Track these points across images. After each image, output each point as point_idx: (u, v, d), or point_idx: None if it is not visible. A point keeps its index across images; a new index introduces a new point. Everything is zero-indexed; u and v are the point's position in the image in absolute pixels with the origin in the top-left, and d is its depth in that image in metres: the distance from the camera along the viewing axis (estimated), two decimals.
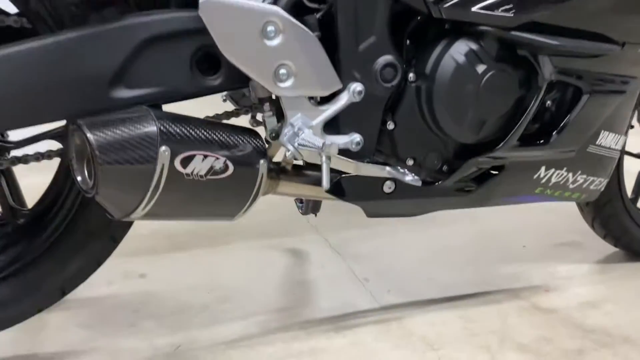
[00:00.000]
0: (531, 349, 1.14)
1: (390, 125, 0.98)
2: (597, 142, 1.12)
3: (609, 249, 1.56)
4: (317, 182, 1.00)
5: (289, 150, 0.87)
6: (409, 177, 0.96)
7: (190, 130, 0.80)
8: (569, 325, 1.23)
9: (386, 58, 0.92)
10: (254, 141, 0.88)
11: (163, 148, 0.76)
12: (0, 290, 0.96)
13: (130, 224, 1.01)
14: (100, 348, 1.10)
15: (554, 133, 1.03)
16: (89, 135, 0.74)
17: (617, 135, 1.14)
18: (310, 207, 1.32)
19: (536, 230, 1.70)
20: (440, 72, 0.94)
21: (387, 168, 0.97)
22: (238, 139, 0.86)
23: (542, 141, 1.03)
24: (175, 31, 0.82)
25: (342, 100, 0.90)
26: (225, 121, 0.98)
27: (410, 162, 1.01)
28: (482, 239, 1.63)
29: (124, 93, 0.81)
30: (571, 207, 1.81)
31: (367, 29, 0.90)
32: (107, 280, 1.33)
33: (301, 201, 1.39)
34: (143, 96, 0.82)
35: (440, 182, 1.04)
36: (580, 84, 1.01)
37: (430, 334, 1.18)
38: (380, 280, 1.39)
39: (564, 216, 1.78)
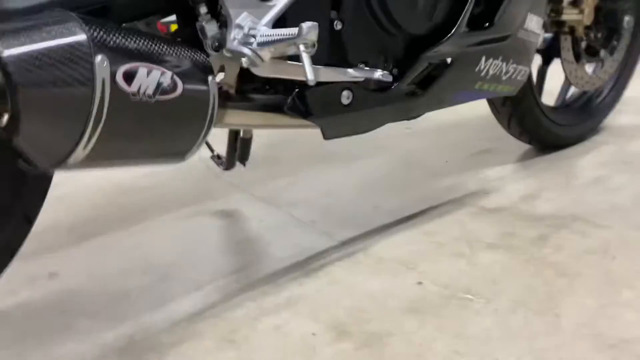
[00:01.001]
0: (500, 245, 1.12)
1: (338, 25, 0.86)
2: (525, 26, 1.11)
3: (521, 148, 1.61)
4: (268, 107, 0.86)
5: (244, 56, 0.72)
6: (378, 73, 0.86)
7: (125, 38, 0.61)
8: (522, 217, 1.23)
9: None
10: (197, 54, 0.72)
11: (100, 58, 0.57)
12: None
13: (44, 195, 0.79)
14: None
15: (497, 13, 0.99)
16: None
17: (539, 18, 1.14)
18: (238, 155, 1.18)
19: (450, 147, 1.71)
20: None
21: (350, 70, 0.85)
22: (179, 51, 0.69)
23: (487, 24, 0.99)
24: None
25: None
26: None
27: (362, 67, 0.91)
28: (404, 164, 1.60)
29: (15, 3, 0.60)
30: (473, 122, 1.86)
31: None
32: (8, 291, 1.06)
33: (219, 157, 1.24)
34: (41, 5, 0.61)
35: (394, 87, 0.96)
36: None
37: (401, 255, 1.10)
38: (327, 219, 1.28)
39: (469, 130, 1.81)
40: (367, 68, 0.88)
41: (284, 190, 1.46)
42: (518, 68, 1.18)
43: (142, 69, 0.61)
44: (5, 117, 0.55)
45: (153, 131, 0.65)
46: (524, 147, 1.61)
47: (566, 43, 1.46)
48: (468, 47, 0.99)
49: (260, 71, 0.77)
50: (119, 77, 0.59)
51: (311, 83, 0.71)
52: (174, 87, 0.65)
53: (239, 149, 1.15)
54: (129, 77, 0.60)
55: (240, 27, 0.72)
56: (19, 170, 0.69)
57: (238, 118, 0.85)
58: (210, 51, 0.74)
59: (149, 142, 0.66)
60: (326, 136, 0.94)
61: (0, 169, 0.71)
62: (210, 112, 0.71)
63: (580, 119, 1.63)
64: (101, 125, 0.58)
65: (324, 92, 0.87)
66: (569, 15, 1.36)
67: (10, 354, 0.89)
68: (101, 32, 0.58)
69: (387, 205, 1.33)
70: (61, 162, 0.59)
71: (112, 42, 0.59)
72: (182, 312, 0.97)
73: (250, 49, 0.71)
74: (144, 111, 0.62)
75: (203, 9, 0.72)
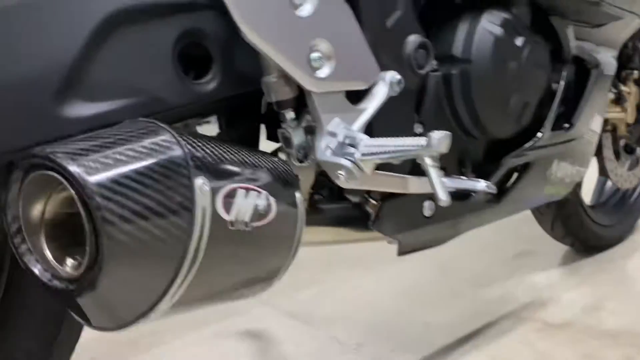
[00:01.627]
0: None
1: (418, 129, 0.76)
2: (590, 126, 1.03)
3: (560, 249, 1.51)
4: (341, 221, 0.73)
5: (341, 168, 0.59)
6: (481, 185, 0.74)
7: (218, 150, 0.48)
8: (593, 334, 1.10)
9: (416, 38, 0.71)
10: (283, 166, 0.59)
11: (200, 181, 0.43)
12: None
13: (74, 345, 0.62)
14: None
15: (575, 113, 0.91)
16: (73, 169, 0.38)
17: (601, 117, 1.07)
18: None
19: (486, 249, 1.59)
20: (475, 50, 0.75)
21: (446, 179, 0.73)
22: (268, 163, 0.56)
23: (566, 125, 0.90)
24: (154, 5, 0.51)
25: (380, 94, 0.66)
26: None
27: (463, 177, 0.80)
28: (441, 269, 1.46)
29: (80, 110, 0.47)
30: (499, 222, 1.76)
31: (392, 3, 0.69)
32: None
33: None
34: (110, 113, 0.49)
35: (474, 195, 0.84)
36: (591, 59, 0.91)
37: None
38: (375, 340, 1.12)
39: (502, 230, 1.70)
40: (466, 178, 0.76)
41: (313, 302, 1.30)
42: (579, 169, 1.09)
43: (240, 192, 0.48)
44: (71, 264, 0.40)
45: (244, 264, 0.51)
46: (563, 247, 1.51)
47: (607, 141, 1.39)
48: (547, 150, 0.90)
49: (351, 184, 0.64)
50: (219, 204, 0.45)
51: (444, 204, 0.59)
52: (268, 209, 0.52)
53: None
54: (228, 202, 0.46)
55: (333, 134, 0.61)
56: (51, 317, 0.53)
57: (311, 235, 0.71)
58: (294, 162, 0.62)
59: (237, 281, 0.52)
60: (401, 251, 0.81)
61: (32, 317, 0.55)
62: (298, 232, 0.58)
63: (618, 218, 1.54)
64: (196, 267, 0.44)
65: (407, 204, 0.75)
66: (613, 113, 1.31)
67: None
68: (196, 146, 0.45)
69: (437, 321, 1.18)
70: (140, 318, 0.43)
71: (209, 159, 0.46)
72: None
73: (350, 160, 0.58)
74: (240, 242, 0.48)
75: (290, 115, 0.60)
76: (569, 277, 1.38)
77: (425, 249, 0.85)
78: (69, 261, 0.41)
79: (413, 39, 0.71)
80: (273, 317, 1.24)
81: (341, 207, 0.73)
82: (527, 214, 1.41)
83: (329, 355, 1.08)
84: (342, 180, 0.59)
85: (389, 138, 0.59)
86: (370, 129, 0.67)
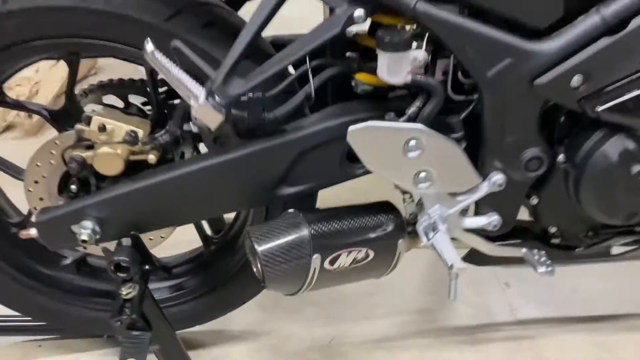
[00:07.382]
0: None
1: (534, 200, 1.00)
2: None
3: None
4: None
5: (421, 242, 0.96)
6: (542, 269, 1.00)
7: (336, 227, 0.93)
8: None
9: (533, 151, 0.92)
10: (393, 219, 0.98)
11: (315, 256, 0.92)
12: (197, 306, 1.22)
13: None
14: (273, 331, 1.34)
15: None
16: (256, 247, 0.92)
17: None
18: None
19: None
20: (591, 164, 0.92)
21: (523, 250, 1.01)
22: (377, 222, 0.97)
23: None
24: (327, 140, 0.93)
25: (481, 191, 0.95)
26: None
27: (553, 230, 1.04)
28: None
29: (286, 190, 0.97)
30: None
31: (515, 125, 0.90)
32: None
33: None
34: (301, 191, 0.97)
35: (580, 249, 1.06)
36: None
37: None
38: (521, 287, 1.42)
39: None
40: (536, 257, 1.00)
41: None
42: None
43: (343, 254, 0.93)
44: (260, 276, 0.96)
45: (347, 280, 0.98)
46: None
47: None
48: None
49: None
50: (327, 263, 0.92)
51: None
52: (366, 257, 0.96)
53: None
54: (334, 260, 0.93)
55: (429, 216, 0.95)
56: None
57: None
58: (407, 218, 1.00)
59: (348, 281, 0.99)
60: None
61: None
62: (392, 265, 0.99)
63: None
64: (309, 288, 0.94)
65: None
66: None
67: (262, 317, 1.35)
68: (319, 230, 0.90)
69: (586, 289, 1.38)
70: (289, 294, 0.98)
71: (325, 238, 0.91)
72: (370, 334, 1.29)
73: (427, 238, 0.94)
74: (339, 276, 0.95)
75: (407, 195, 0.97)
76: None
77: None
78: None
79: (530, 152, 0.92)
80: None
81: None
82: None
83: (480, 283, 1.43)
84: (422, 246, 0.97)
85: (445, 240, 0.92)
86: (476, 206, 0.98)
